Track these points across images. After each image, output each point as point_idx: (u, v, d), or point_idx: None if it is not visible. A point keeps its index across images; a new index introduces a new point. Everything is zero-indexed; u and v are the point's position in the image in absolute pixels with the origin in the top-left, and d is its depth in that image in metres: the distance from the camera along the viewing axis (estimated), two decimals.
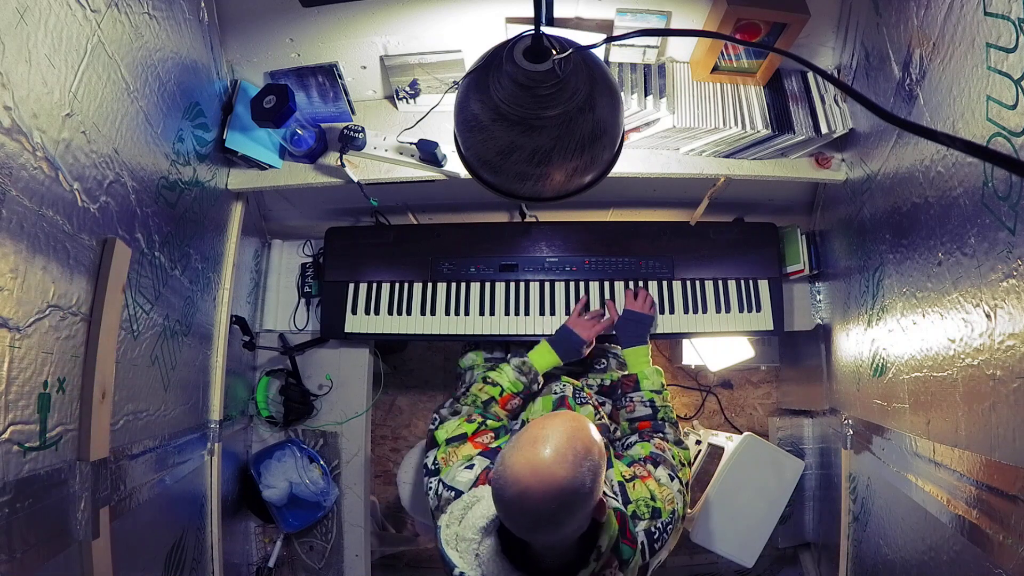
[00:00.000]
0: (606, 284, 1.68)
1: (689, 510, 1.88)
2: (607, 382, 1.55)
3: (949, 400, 0.99)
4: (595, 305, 1.66)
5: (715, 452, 2.06)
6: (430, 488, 1.09)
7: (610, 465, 1.09)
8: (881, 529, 1.34)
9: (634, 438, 1.28)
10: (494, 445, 1.16)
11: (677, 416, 1.40)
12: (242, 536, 1.78)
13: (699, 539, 1.85)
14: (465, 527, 0.91)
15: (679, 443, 1.27)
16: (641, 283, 1.67)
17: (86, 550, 0.87)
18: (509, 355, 1.40)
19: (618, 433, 1.40)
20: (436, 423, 1.23)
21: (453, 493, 1.04)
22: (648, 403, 1.35)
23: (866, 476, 1.44)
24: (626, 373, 1.46)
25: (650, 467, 1.13)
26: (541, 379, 1.41)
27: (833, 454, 1.73)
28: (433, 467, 1.12)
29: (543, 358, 1.42)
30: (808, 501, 2.00)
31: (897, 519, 1.25)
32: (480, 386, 1.33)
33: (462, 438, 1.16)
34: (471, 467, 1.08)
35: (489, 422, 1.22)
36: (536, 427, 0.81)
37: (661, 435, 1.27)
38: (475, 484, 1.03)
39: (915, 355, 1.12)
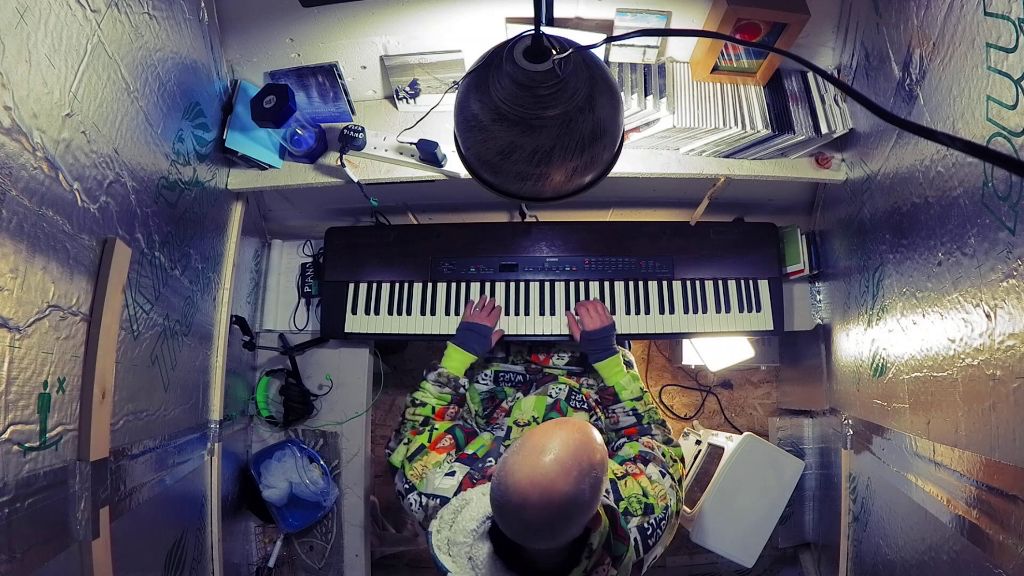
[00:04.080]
0: (606, 284, 1.68)
1: (687, 508, 1.89)
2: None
3: (949, 400, 0.99)
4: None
5: (715, 452, 2.06)
6: (412, 503, 1.09)
7: None
8: (881, 529, 1.34)
9: (623, 440, 1.28)
10: (471, 451, 1.17)
11: (677, 416, 1.39)
12: (242, 536, 1.77)
13: (699, 539, 1.85)
14: (456, 531, 0.91)
15: (668, 442, 1.27)
16: (642, 283, 1.67)
17: (86, 550, 0.87)
18: (425, 371, 1.40)
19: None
20: (388, 455, 1.24)
21: (438, 500, 1.04)
22: (631, 412, 1.35)
23: (866, 476, 1.44)
24: (603, 386, 1.42)
25: (640, 465, 1.13)
26: (464, 380, 1.40)
27: (833, 454, 1.73)
28: (407, 486, 1.12)
29: (455, 360, 1.41)
30: (808, 501, 2.00)
31: (897, 519, 1.25)
32: (412, 411, 1.33)
33: (421, 450, 1.17)
34: (452, 474, 1.08)
35: (439, 424, 1.25)
36: (542, 435, 0.80)
37: (650, 436, 1.27)
38: (459, 489, 1.04)
39: (915, 355, 1.12)
